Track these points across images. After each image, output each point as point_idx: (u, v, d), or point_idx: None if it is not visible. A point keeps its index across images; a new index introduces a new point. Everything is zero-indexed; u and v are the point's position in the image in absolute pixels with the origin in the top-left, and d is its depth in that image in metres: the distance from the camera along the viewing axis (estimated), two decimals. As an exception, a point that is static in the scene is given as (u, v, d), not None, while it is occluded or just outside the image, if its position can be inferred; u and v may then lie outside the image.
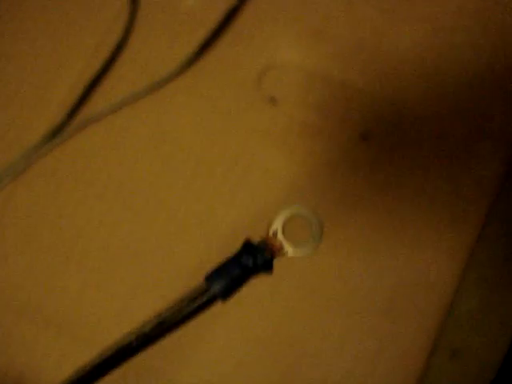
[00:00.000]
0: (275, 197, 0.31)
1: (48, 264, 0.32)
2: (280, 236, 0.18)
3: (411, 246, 0.30)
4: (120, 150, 0.33)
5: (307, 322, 0.30)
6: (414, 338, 0.29)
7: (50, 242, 0.32)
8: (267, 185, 0.31)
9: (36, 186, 0.33)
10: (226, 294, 0.18)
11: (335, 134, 0.32)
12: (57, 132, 0.33)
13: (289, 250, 0.18)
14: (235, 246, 0.19)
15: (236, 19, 0.34)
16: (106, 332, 0.28)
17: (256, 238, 0.19)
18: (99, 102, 0.34)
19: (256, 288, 0.19)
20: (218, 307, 0.19)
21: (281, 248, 0.18)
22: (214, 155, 0.32)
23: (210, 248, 0.31)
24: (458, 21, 0.33)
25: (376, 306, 0.30)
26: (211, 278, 0.19)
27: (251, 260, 0.18)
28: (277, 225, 0.18)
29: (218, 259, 0.19)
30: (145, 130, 0.33)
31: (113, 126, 0.33)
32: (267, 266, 0.18)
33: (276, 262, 0.19)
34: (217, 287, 0.18)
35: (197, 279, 0.19)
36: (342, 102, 0.32)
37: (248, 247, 0.18)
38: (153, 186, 0.32)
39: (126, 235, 0.32)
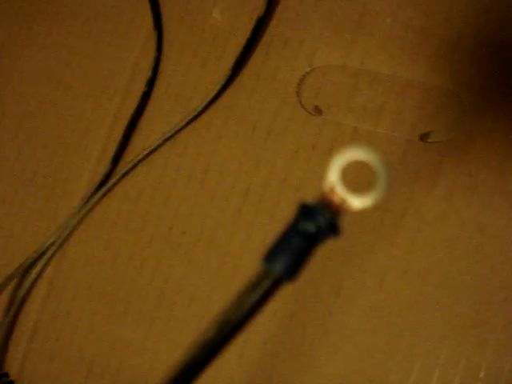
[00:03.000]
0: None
1: (109, 317, 0.31)
2: (339, 188, 0.14)
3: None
4: (164, 189, 0.31)
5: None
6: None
7: (108, 294, 0.31)
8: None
9: (88, 240, 0.32)
10: (292, 272, 0.15)
11: (391, 139, 0.28)
12: (103, 182, 0.32)
13: (353, 202, 0.14)
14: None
15: (266, 28, 0.31)
16: None
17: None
18: (139, 142, 0.32)
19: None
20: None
21: (342, 202, 0.14)
22: (262, 178, 0.30)
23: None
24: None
25: None
26: (270, 257, 0.15)
27: (312, 225, 0.14)
28: (333, 176, 0.14)
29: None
30: (186, 164, 0.31)
31: (154, 166, 0.32)
32: (332, 228, 0.15)
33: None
34: (278, 267, 0.14)
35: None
36: (395, 100, 0.28)
37: (305, 210, 0.15)
38: (202, 221, 0.30)
39: (181, 279, 0.30)
